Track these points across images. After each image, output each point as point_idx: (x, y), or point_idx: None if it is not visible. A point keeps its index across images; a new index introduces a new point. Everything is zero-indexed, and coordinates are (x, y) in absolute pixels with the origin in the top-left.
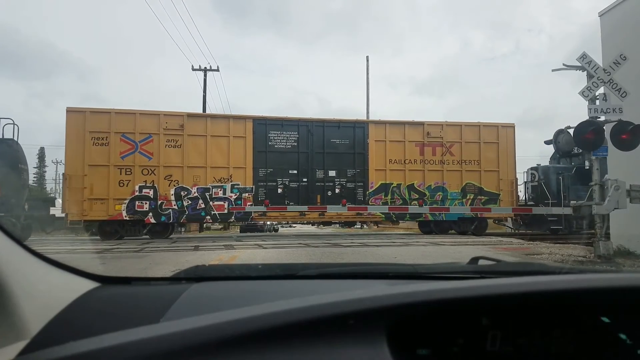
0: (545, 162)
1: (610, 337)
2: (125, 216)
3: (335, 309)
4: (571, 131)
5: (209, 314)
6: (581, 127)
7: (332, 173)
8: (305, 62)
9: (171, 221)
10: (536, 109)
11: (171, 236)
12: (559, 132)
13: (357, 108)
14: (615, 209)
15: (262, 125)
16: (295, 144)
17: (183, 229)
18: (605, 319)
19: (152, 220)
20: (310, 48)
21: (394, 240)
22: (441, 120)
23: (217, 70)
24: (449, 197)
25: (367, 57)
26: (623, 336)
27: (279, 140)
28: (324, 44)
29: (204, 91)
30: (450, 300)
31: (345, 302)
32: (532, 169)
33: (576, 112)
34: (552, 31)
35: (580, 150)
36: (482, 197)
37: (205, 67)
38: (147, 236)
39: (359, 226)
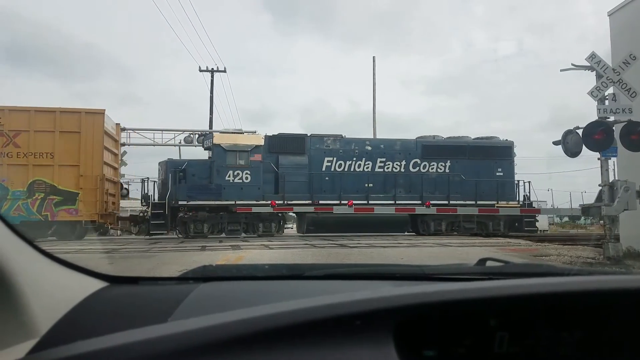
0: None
1: (618, 339)
2: None
3: (342, 309)
4: (580, 132)
5: (216, 313)
6: (590, 128)
7: None
8: (342, 63)
9: None
10: (570, 107)
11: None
12: (568, 133)
13: (383, 111)
14: (624, 210)
15: None
16: None
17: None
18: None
19: None
20: (349, 49)
21: (400, 241)
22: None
23: (224, 71)
24: (10, 197)
25: (374, 57)
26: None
27: None
28: (365, 46)
29: (211, 92)
30: (457, 302)
31: (352, 303)
32: (159, 163)
33: None
34: (579, 29)
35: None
36: (56, 196)
37: (212, 68)
38: None
39: None
